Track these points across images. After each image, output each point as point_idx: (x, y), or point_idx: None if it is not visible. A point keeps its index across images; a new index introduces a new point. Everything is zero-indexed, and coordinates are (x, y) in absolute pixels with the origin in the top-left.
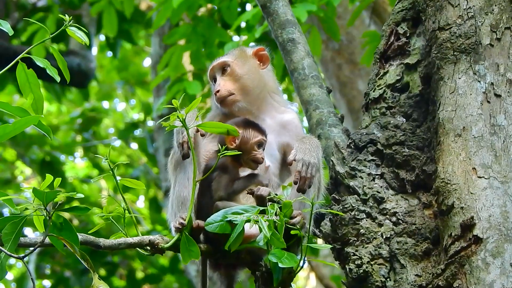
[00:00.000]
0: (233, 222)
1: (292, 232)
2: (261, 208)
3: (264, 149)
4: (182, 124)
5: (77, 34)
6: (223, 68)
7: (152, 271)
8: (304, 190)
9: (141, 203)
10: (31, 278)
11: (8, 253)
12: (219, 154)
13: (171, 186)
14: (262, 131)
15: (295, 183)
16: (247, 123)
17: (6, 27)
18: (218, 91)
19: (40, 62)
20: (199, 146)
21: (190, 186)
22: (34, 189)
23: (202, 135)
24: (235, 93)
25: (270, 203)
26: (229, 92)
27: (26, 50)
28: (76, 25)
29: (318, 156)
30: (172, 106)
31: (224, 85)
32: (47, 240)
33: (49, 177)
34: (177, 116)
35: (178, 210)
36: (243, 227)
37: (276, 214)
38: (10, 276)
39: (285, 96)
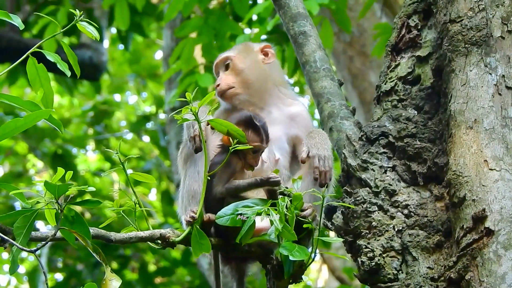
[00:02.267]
0: (244, 215)
1: (304, 225)
2: (272, 201)
3: (261, 154)
4: (194, 118)
5: (88, 29)
6: (226, 63)
7: (164, 264)
8: (326, 184)
9: (153, 195)
10: (43, 272)
11: (20, 246)
12: (230, 148)
13: (181, 179)
14: (261, 136)
15: (315, 179)
16: (249, 124)
17: (17, 21)
18: (218, 85)
19: (51, 57)
20: (209, 140)
21: (201, 180)
22: (45, 182)
23: (213, 129)
24: (235, 86)
25: (280, 196)
26: (228, 86)
27: (37, 43)
28: (87, 20)
29: (329, 148)
30: (185, 99)
31: (225, 79)
32: (59, 233)
33: (60, 170)
34: (190, 109)
35: (189, 203)
36: (254, 220)
37: (286, 207)
38: (22, 269)
39: (297, 89)
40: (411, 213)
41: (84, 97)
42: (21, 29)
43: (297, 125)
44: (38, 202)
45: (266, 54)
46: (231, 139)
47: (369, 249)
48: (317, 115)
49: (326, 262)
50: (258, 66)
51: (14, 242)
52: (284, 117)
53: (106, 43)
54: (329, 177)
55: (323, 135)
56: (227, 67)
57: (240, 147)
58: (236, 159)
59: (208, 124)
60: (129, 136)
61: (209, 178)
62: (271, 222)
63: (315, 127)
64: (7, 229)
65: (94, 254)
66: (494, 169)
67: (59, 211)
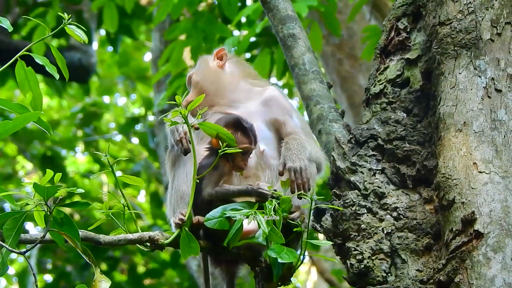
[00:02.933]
0: (232, 218)
1: (294, 229)
2: (260, 203)
3: (250, 155)
4: (184, 121)
5: (76, 32)
6: (190, 82)
7: (154, 266)
8: (304, 194)
9: (142, 197)
10: (33, 273)
11: (10, 248)
12: (220, 151)
13: (169, 181)
14: (250, 138)
15: (293, 192)
16: (237, 127)
17: (6, 24)
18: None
19: (40, 60)
20: (195, 143)
21: (189, 182)
22: (35, 184)
23: (197, 129)
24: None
25: (269, 199)
26: (187, 102)
27: (27, 45)
28: (75, 23)
29: (306, 155)
30: (174, 102)
31: (186, 98)
32: (48, 235)
33: (49, 172)
34: (180, 112)
35: (177, 205)
36: (242, 223)
37: (274, 210)
38: (11, 270)
39: (285, 91)
40: (400, 215)
41: (73, 99)
42: (9, 31)
43: (271, 109)
44: (27, 204)
45: (220, 58)
46: (220, 142)
47: (358, 252)
48: (306, 118)
49: (315, 264)
50: (212, 72)
51: (3, 244)
52: (258, 106)
53: (95, 45)
54: (308, 188)
55: (299, 142)
56: (190, 85)
57: (230, 150)
58: (225, 161)
59: (198, 129)
60: (118, 138)
61: (197, 181)
62: (259, 225)
63: (292, 107)
64: None
65: (84, 256)
66: (484, 171)
67: (48, 213)
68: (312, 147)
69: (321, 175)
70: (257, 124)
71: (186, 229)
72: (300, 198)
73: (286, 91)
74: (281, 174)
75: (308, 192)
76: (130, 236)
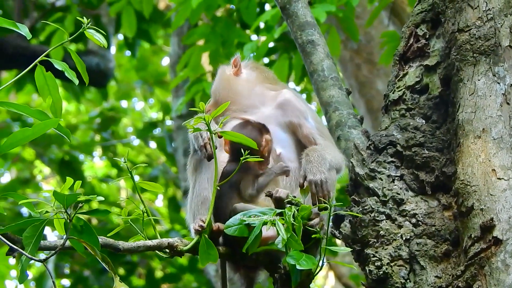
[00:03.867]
0: (251, 224)
1: (313, 235)
2: (279, 210)
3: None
4: (206, 128)
5: (96, 37)
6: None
7: (171, 271)
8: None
9: (159, 202)
10: (52, 279)
11: (30, 256)
12: (242, 158)
13: (190, 187)
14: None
15: (314, 204)
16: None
17: (24, 31)
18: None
19: (59, 65)
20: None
21: (210, 187)
22: (54, 192)
23: (220, 137)
24: (211, 109)
25: (288, 205)
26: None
27: (44, 50)
28: (94, 27)
29: (326, 167)
30: (196, 109)
31: (206, 107)
32: (68, 243)
33: (69, 180)
34: (203, 119)
35: (198, 210)
36: (261, 230)
37: (293, 216)
38: (29, 275)
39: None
40: (419, 222)
41: (91, 104)
42: (28, 38)
43: (286, 113)
44: (46, 212)
45: (236, 66)
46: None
47: (377, 258)
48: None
49: (333, 268)
50: (227, 80)
51: (23, 252)
52: (273, 109)
53: (113, 50)
54: (329, 200)
55: (320, 154)
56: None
57: (251, 158)
58: (252, 163)
59: (221, 137)
60: (136, 142)
61: (218, 188)
62: (278, 232)
63: (307, 108)
64: (16, 238)
65: (103, 264)
66: (502, 178)
67: (68, 220)
68: (331, 151)
69: (341, 175)
70: (272, 128)
71: (206, 236)
72: (321, 210)
73: (304, 96)
74: (301, 186)
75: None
76: (149, 242)
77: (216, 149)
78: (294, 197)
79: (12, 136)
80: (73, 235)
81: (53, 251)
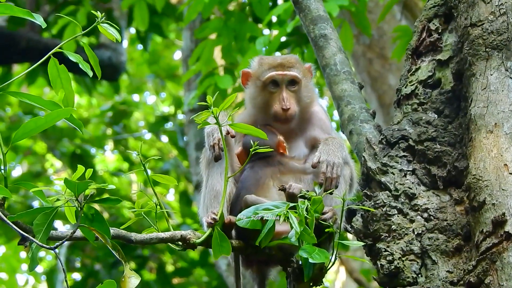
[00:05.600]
0: (264, 218)
1: (326, 230)
2: (292, 204)
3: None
4: (215, 121)
5: (109, 31)
6: (292, 81)
7: (182, 265)
8: (330, 191)
9: (171, 196)
10: (63, 269)
11: (40, 243)
12: (251, 149)
13: (204, 180)
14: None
15: (321, 184)
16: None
17: (40, 20)
18: (288, 109)
19: (73, 58)
20: (229, 145)
21: (223, 181)
22: (65, 180)
23: (233, 137)
24: (297, 114)
25: (300, 199)
26: (295, 113)
27: (56, 43)
28: (108, 21)
29: (342, 155)
30: (206, 103)
31: (292, 103)
32: (79, 231)
33: (80, 168)
34: (212, 112)
35: (210, 204)
36: (274, 223)
37: (306, 210)
38: (40, 269)
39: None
40: (431, 216)
41: (103, 97)
42: (43, 27)
43: (312, 127)
44: (57, 200)
45: (311, 74)
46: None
47: (389, 253)
48: (336, 117)
49: (344, 263)
50: (311, 91)
51: (34, 239)
52: (301, 120)
53: (125, 44)
54: (335, 185)
55: (338, 142)
56: (291, 85)
57: (261, 149)
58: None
59: (228, 133)
60: (148, 136)
61: (234, 182)
62: (291, 225)
63: (332, 127)
64: (27, 227)
65: (114, 252)
66: None
67: (79, 208)
68: (350, 159)
69: (353, 191)
70: (297, 139)
71: (218, 228)
72: (328, 193)
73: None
74: (314, 166)
75: (336, 189)
76: (162, 234)
77: (228, 144)
78: (307, 191)
79: (25, 125)
80: (84, 223)
81: (64, 239)
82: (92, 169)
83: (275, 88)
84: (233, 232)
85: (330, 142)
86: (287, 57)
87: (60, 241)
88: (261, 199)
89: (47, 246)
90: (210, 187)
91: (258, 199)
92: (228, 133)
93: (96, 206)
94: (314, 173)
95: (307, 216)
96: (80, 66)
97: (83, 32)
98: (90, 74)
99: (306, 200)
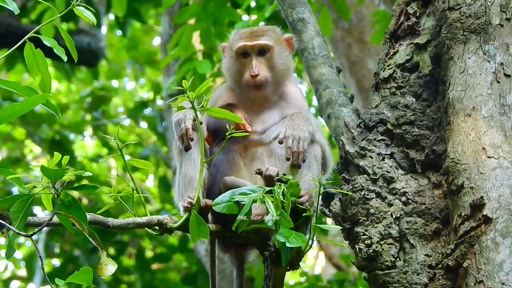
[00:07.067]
0: (240, 202)
1: (303, 214)
2: (268, 188)
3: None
4: (190, 106)
5: (85, 14)
6: (262, 50)
7: (162, 250)
8: (298, 165)
9: (150, 182)
10: (40, 256)
11: (17, 231)
12: (227, 134)
13: (177, 167)
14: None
15: (288, 159)
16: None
17: (13, 6)
18: (257, 75)
19: (48, 42)
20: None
21: (197, 167)
22: (42, 167)
23: (201, 123)
24: (268, 79)
25: (278, 183)
26: (265, 79)
27: (35, 29)
28: (84, 4)
29: (309, 130)
30: (182, 87)
31: (262, 69)
32: (56, 218)
33: (57, 155)
34: (187, 97)
35: (185, 190)
36: (250, 208)
37: (283, 194)
38: (19, 255)
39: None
40: (409, 200)
41: (82, 83)
42: (16, 13)
43: (288, 105)
44: (35, 187)
45: (289, 45)
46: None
47: (367, 236)
48: (315, 102)
49: (323, 249)
50: (287, 59)
51: (10, 227)
52: (279, 99)
53: (104, 29)
54: (302, 159)
55: (304, 117)
56: (261, 53)
57: (237, 134)
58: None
59: (201, 123)
60: (127, 122)
61: (206, 167)
62: (267, 210)
63: (307, 108)
64: (5, 214)
65: (90, 239)
66: (492, 156)
67: (56, 195)
68: (321, 138)
69: (327, 173)
70: (271, 119)
71: (195, 212)
72: (297, 166)
73: (295, 75)
74: (281, 142)
75: (303, 163)
76: (139, 219)
77: (201, 124)
78: (284, 175)
79: (1, 111)
80: (61, 210)
81: (41, 226)
82: (70, 156)
83: (245, 57)
84: (210, 216)
85: (296, 117)
86: (261, 27)
87: (37, 228)
88: (239, 180)
89: (24, 234)
90: (184, 174)
91: (236, 180)
92: (194, 120)
93: (75, 192)
94: (277, 146)
95: (284, 200)
96: (55, 50)
97: (59, 15)
98: (65, 58)
99: (282, 184)
